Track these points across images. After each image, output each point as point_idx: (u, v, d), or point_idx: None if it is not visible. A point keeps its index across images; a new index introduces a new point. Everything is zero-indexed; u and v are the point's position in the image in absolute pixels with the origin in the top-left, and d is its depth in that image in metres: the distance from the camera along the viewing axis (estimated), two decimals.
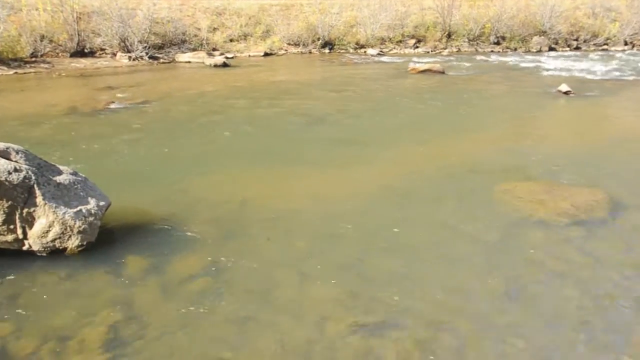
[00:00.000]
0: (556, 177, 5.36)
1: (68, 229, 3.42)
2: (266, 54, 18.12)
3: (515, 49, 21.94)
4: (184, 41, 17.21)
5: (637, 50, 22.54)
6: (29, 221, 3.39)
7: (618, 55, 20.33)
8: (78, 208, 3.52)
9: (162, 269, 3.38)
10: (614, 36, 23.66)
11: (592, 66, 16.07)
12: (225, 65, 14.71)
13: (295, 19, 20.06)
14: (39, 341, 2.66)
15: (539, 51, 21.55)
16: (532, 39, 22.25)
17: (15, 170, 3.37)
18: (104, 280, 3.23)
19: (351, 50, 19.91)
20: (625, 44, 23.18)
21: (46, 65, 13.44)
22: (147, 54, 15.35)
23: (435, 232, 4.06)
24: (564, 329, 2.90)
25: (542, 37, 22.40)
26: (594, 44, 23.53)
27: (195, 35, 17.78)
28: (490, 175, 5.37)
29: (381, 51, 19.87)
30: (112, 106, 8.69)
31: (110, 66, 14.34)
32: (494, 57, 18.89)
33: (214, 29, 18.63)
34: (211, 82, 11.93)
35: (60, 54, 14.61)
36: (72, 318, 2.85)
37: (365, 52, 19.70)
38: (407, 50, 20.61)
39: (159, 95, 9.82)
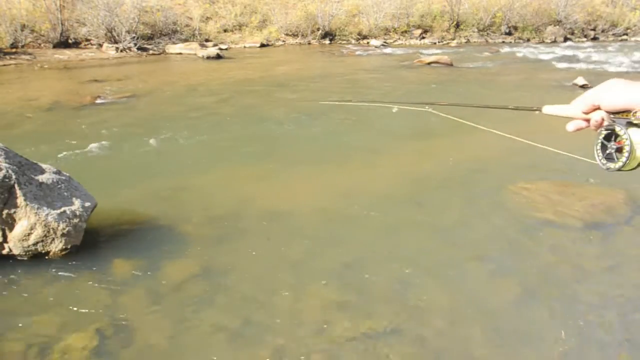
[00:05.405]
0: (572, 176, 5.36)
1: (51, 231, 3.42)
2: (262, 45, 18.14)
3: (528, 40, 21.98)
4: (174, 31, 17.22)
5: None
6: (9, 223, 3.39)
7: (639, 45, 20.33)
8: (62, 209, 3.52)
9: (152, 274, 3.37)
10: (635, 25, 23.70)
11: (610, 58, 16.08)
12: (218, 57, 14.73)
13: (294, 7, 20.07)
14: (19, 350, 2.65)
15: (554, 42, 21.57)
16: (546, 28, 22.29)
17: None
18: (89, 286, 3.23)
19: (353, 41, 19.93)
20: None
21: (27, 57, 13.44)
22: (135, 45, 15.36)
23: (443, 236, 4.05)
24: (581, 337, 2.90)
25: (557, 26, 22.43)
26: (613, 34, 23.56)
27: (187, 25, 17.79)
28: (501, 175, 5.37)
29: (385, 42, 19.89)
30: (98, 101, 8.69)
31: (96, 58, 14.34)
32: (505, 48, 18.89)
33: (207, 18, 18.64)
34: (204, 76, 11.93)
35: (42, 45, 14.62)
36: (55, 326, 2.85)
37: (368, 43, 19.72)
38: (412, 41, 20.63)
39: (148, 90, 9.82)
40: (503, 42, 21.44)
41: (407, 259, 3.68)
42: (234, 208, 4.43)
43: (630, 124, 0.90)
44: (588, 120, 0.97)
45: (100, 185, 4.58)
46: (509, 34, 22.16)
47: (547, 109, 1.08)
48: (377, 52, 17.38)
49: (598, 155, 0.96)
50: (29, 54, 13.76)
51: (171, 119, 7.60)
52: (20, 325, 2.86)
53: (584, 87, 10.55)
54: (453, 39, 21.14)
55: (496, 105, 1.40)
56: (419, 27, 21.32)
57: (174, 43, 16.45)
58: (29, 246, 3.41)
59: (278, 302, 3.13)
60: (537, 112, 1.10)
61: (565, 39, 22.06)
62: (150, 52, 15.69)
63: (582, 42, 22.05)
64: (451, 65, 13.73)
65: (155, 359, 2.65)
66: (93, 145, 6.15)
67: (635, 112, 0.88)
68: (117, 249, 3.65)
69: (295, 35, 19.41)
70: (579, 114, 0.98)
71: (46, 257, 3.47)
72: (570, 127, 1.00)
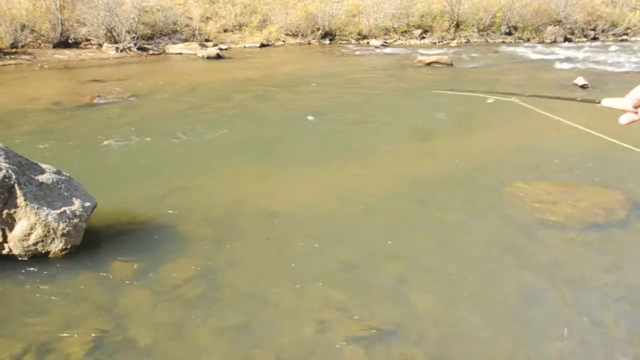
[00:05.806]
0: (572, 176, 5.36)
1: (51, 231, 3.42)
2: (262, 45, 18.13)
3: (528, 40, 21.97)
4: (174, 31, 17.21)
5: None
6: (9, 223, 3.39)
7: (639, 46, 20.33)
8: (62, 209, 3.52)
9: (152, 274, 3.37)
10: (635, 25, 23.68)
11: (610, 58, 16.07)
12: (218, 57, 14.72)
13: (294, 7, 20.07)
14: (19, 351, 2.65)
15: (554, 42, 21.57)
16: (546, 28, 22.28)
17: None
18: (89, 286, 3.23)
19: (353, 41, 19.92)
20: None
21: (27, 57, 13.43)
22: (135, 45, 15.35)
23: (442, 236, 4.05)
24: (579, 339, 2.89)
25: (557, 26, 22.42)
26: (613, 34, 23.56)
27: (187, 25, 17.78)
28: (500, 175, 5.36)
29: (385, 42, 19.88)
30: (98, 101, 8.69)
31: (96, 58, 14.34)
32: (505, 48, 18.89)
33: (207, 18, 18.63)
34: (204, 75, 11.93)
35: (42, 45, 14.61)
36: (55, 326, 2.85)
37: (368, 43, 19.71)
38: (412, 41, 20.63)
39: (148, 89, 9.82)
40: (503, 42, 21.43)
41: (407, 260, 3.67)
42: (234, 208, 4.43)
43: None
44: None
45: (100, 185, 4.58)
46: (509, 34, 22.15)
47: (606, 102, 1.16)
48: (377, 52, 17.38)
49: None
50: (29, 54, 13.75)
51: (171, 118, 7.60)
52: (20, 325, 2.86)
53: (584, 87, 10.54)
54: (453, 39, 21.13)
55: (566, 97, 1.60)
56: (419, 27, 21.31)
57: (174, 43, 16.43)
58: (29, 246, 3.41)
59: (278, 302, 3.13)
60: (598, 104, 1.19)
61: (566, 39, 22.05)
62: (150, 52, 15.68)
63: (582, 42, 22.03)
64: (451, 65, 13.72)
65: (155, 359, 2.65)
66: (93, 145, 6.15)
67: None
68: (117, 249, 3.65)
69: (295, 35, 19.41)
70: (630, 107, 1.04)
71: (46, 257, 3.47)
72: (623, 119, 1.07)
